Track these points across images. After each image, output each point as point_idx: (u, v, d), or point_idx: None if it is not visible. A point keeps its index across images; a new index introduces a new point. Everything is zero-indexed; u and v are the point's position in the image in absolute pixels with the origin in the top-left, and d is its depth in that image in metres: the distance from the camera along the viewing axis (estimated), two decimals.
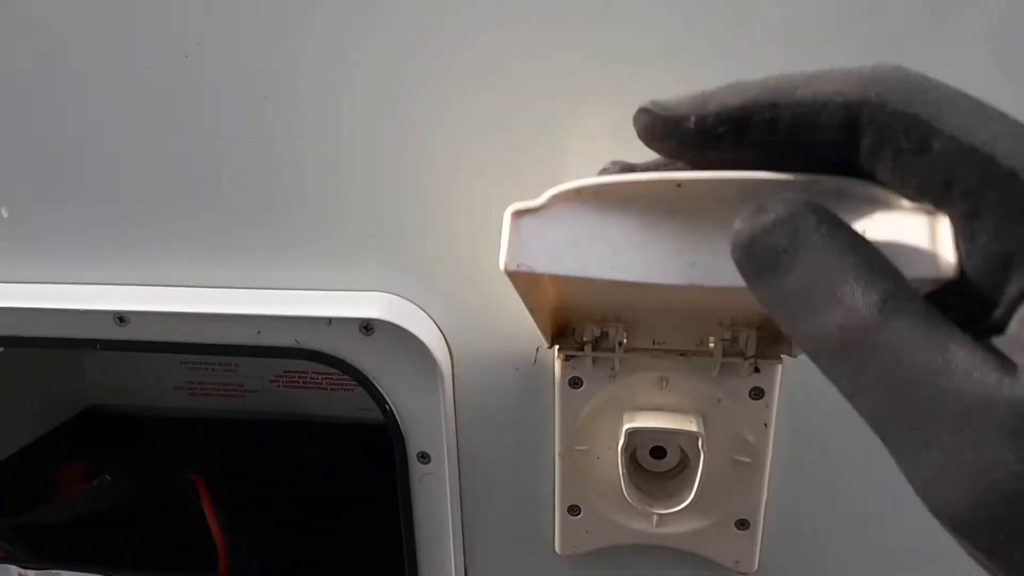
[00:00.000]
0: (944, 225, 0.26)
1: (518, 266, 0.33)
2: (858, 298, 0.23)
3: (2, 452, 0.98)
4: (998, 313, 0.24)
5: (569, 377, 0.61)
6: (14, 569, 0.87)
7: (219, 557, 0.92)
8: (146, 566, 0.87)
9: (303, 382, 1.19)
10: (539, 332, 0.54)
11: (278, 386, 1.20)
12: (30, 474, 1.01)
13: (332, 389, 1.19)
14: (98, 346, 0.68)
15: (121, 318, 0.67)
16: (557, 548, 0.72)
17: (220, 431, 1.13)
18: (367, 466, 1.02)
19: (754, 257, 0.26)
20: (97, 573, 0.87)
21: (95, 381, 1.22)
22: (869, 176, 0.27)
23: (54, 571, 0.86)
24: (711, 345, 0.59)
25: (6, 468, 0.97)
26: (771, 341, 0.58)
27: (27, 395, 1.11)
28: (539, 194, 0.33)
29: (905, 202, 0.27)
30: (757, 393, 0.61)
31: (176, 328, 0.67)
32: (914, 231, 0.27)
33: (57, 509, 0.90)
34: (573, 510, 0.69)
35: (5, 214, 0.68)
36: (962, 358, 0.21)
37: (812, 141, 0.27)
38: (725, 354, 0.59)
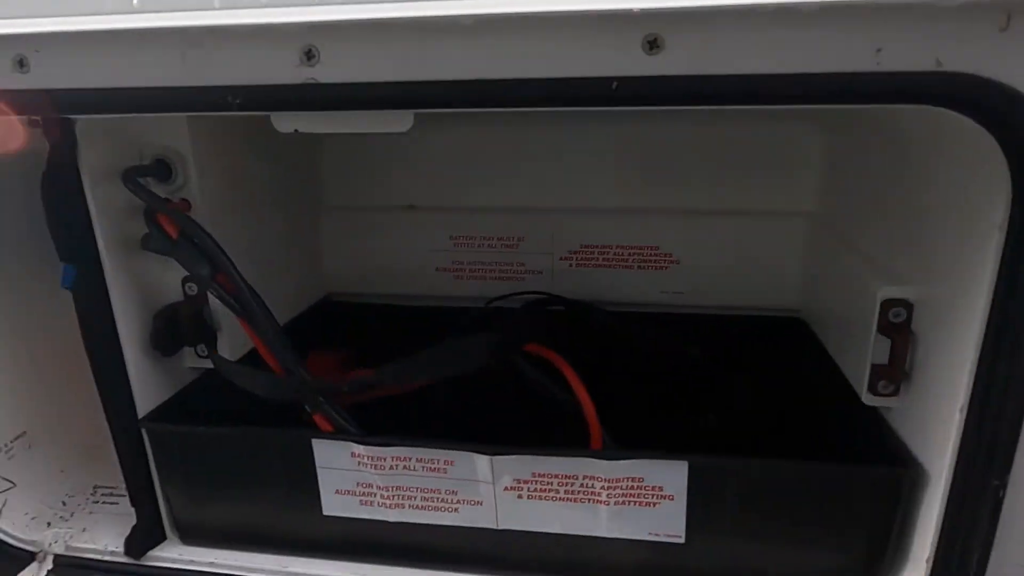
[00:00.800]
0: None
1: None
2: None
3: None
4: None
5: None
6: (347, 446, 0.67)
7: (589, 424, 0.71)
8: (493, 440, 0.67)
9: (603, 259, 0.97)
10: None
11: (570, 265, 0.98)
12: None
13: (639, 267, 0.97)
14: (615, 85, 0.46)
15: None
16: None
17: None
18: None
19: None
20: (438, 448, 0.66)
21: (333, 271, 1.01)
22: None
23: (390, 447, 0.66)
24: None
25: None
26: None
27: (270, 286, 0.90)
28: None
29: None
30: None
31: None
32: None
33: (395, 373, 0.69)
34: None
35: None
36: None
37: None
38: None
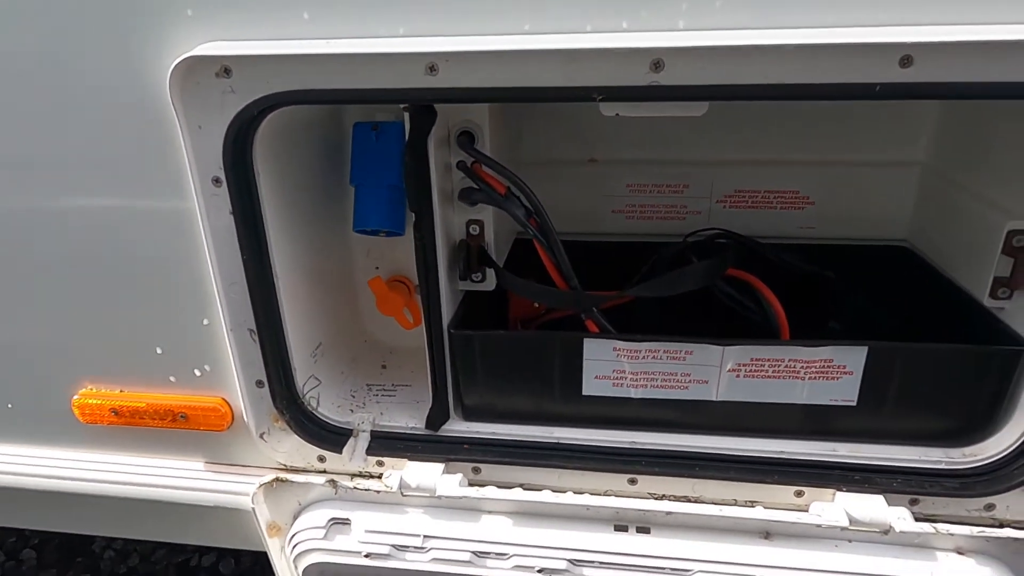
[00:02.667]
0: None
1: None
2: None
3: None
4: None
5: None
6: (611, 342, 0.92)
7: (781, 326, 0.97)
8: (718, 335, 0.93)
9: (752, 201, 1.22)
10: None
11: (724, 206, 1.23)
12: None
13: (782, 208, 1.21)
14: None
15: None
16: None
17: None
18: None
19: None
20: (684, 342, 0.92)
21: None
22: None
23: (645, 343, 0.91)
24: None
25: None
26: None
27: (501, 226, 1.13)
28: None
29: None
30: None
31: None
32: None
33: (654, 287, 0.94)
34: None
35: None
36: None
37: None
38: None
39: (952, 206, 1.08)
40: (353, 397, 1.11)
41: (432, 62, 0.75)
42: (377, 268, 1.18)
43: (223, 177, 0.84)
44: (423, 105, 0.85)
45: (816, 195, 1.21)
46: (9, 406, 1.10)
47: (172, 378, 1.02)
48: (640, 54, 0.71)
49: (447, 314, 0.98)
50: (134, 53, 0.81)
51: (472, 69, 0.74)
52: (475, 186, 0.90)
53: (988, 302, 0.94)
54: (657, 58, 0.71)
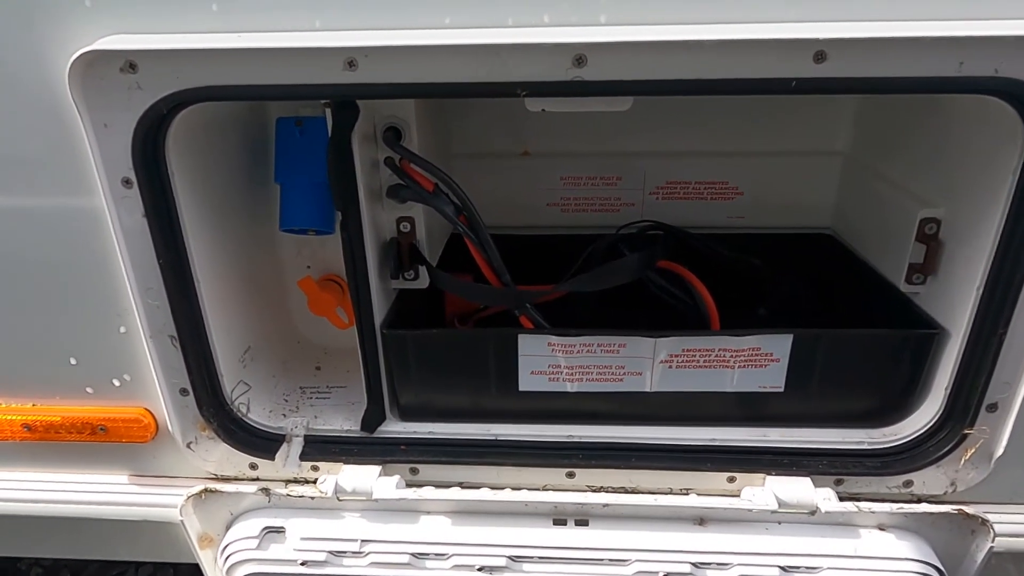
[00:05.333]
0: None
1: None
2: None
3: None
4: None
5: None
6: (545, 338, 0.92)
7: (711, 315, 0.99)
8: (647, 328, 0.94)
9: (683, 192, 1.23)
10: None
11: (657, 198, 1.24)
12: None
13: (712, 199, 1.24)
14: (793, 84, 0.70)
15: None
16: None
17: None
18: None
19: None
20: (616, 335, 0.93)
21: None
22: None
23: (578, 337, 0.92)
24: None
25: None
26: None
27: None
28: None
29: None
30: None
31: None
32: None
33: (587, 280, 0.94)
34: None
35: None
36: None
37: None
38: None
39: (871, 195, 1.12)
40: (286, 401, 1.08)
41: (351, 57, 0.72)
42: (308, 267, 1.15)
43: (133, 178, 0.80)
44: (345, 101, 0.82)
45: (745, 185, 1.23)
46: None
47: (89, 389, 0.97)
48: (562, 49, 0.70)
49: (380, 313, 0.96)
50: (33, 44, 0.76)
51: (392, 64, 0.72)
52: (403, 183, 0.88)
53: (904, 287, 0.98)
54: (579, 53, 0.71)
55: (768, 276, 1.19)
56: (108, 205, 0.81)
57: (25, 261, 0.89)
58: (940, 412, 0.91)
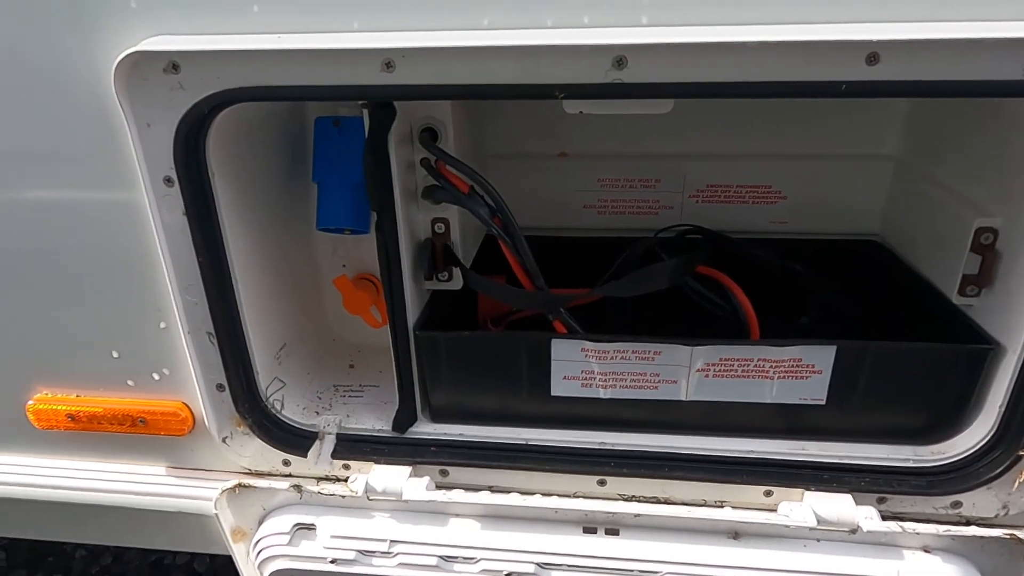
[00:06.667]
0: None
1: None
2: None
3: None
4: None
5: None
6: (579, 343, 0.91)
7: (750, 323, 0.96)
8: (687, 336, 0.92)
9: (724, 196, 1.20)
10: None
11: (697, 202, 1.21)
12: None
13: (754, 203, 1.20)
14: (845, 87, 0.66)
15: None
16: None
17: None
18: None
19: None
20: (652, 343, 0.91)
21: None
22: None
23: (613, 343, 0.90)
24: None
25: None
26: None
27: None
28: None
29: None
30: None
31: None
32: None
33: (622, 286, 0.93)
34: None
35: None
36: None
37: None
38: None
39: (923, 201, 1.07)
40: (319, 399, 1.08)
41: (388, 58, 0.72)
42: (344, 266, 1.16)
43: (175, 176, 0.81)
44: (382, 102, 0.82)
45: (788, 190, 1.19)
46: None
47: (130, 382, 0.99)
48: (602, 51, 0.69)
49: (413, 314, 0.96)
50: (80, 43, 0.77)
51: (430, 66, 0.72)
52: (438, 184, 0.88)
53: (957, 299, 0.93)
54: (620, 55, 0.69)
55: (811, 283, 1.15)
56: (150, 203, 0.83)
57: (70, 255, 0.91)
58: (993, 431, 0.87)
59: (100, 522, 1.16)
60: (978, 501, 0.90)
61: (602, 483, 0.96)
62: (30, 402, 1.02)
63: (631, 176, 1.20)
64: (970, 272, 0.91)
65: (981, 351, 0.87)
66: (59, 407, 1.01)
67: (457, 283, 1.00)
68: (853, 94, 0.69)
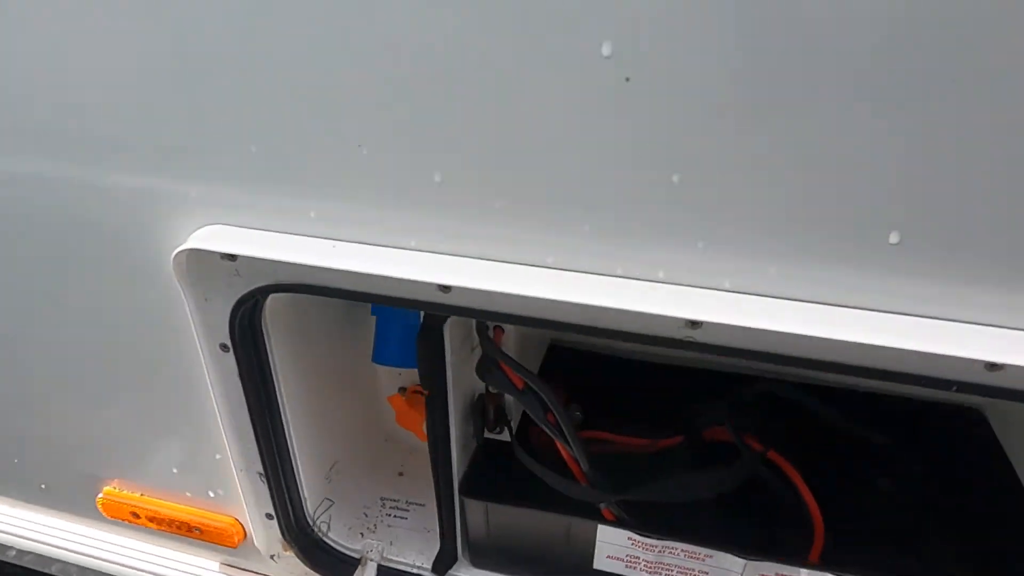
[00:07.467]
0: None
1: None
2: None
3: None
4: None
5: None
6: (625, 532, 0.87)
7: (815, 541, 0.89)
8: (741, 544, 0.86)
9: None
10: None
11: None
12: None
13: None
14: None
15: None
16: None
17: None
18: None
19: None
20: (701, 546, 0.86)
21: None
22: None
23: (662, 541, 0.86)
24: None
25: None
26: None
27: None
28: None
29: None
30: None
31: None
32: None
33: (664, 490, 0.88)
34: None
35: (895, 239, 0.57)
36: None
37: None
38: None
39: None
40: (366, 515, 1.10)
41: (444, 284, 0.68)
42: (400, 374, 1.15)
43: (230, 344, 0.81)
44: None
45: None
46: (43, 487, 1.15)
47: (188, 494, 1.03)
48: (672, 318, 0.62)
49: (459, 466, 0.94)
50: (145, 228, 0.77)
51: (486, 298, 0.67)
52: (492, 369, 0.84)
53: None
54: (693, 320, 0.62)
55: (893, 455, 1.05)
56: (207, 366, 0.83)
57: (144, 382, 0.94)
58: None
59: None
60: None
61: None
62: (100, 495, 1.08)
63: None
64: None
65: None
66: (125, 503, 1.06)
67: (508, 435, 0.97)
68: (964, 392, 0.60)
